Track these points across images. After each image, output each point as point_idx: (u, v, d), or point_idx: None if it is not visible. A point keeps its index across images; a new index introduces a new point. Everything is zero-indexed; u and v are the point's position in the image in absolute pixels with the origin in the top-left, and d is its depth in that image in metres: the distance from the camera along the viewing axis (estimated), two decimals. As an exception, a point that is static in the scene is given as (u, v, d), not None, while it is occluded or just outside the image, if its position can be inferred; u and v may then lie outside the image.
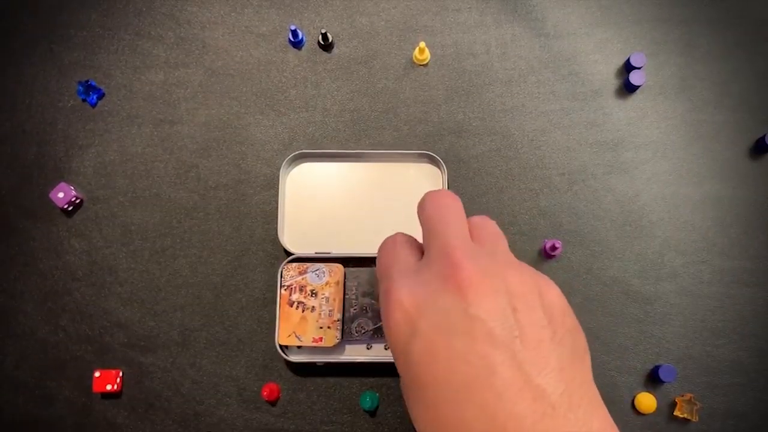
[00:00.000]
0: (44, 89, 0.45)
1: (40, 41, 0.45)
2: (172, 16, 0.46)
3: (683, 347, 0.42)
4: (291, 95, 0.45)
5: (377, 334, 0.40)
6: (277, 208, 0.43)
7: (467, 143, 0.44)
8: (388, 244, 0.27)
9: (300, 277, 0.40)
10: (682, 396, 0.41)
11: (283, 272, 0.41)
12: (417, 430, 0.22)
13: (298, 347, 0.41)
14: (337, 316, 0.40)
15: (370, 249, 0.41)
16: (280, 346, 0.40)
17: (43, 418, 0.41)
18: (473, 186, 0.44)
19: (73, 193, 0.42)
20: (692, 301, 0.42)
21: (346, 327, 0.40)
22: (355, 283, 0.41)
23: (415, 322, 0.22)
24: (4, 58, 0.45)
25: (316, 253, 0.41)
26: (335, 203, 0.43)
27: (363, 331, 0.40)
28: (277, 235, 0.42)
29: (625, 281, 0.43)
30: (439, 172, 0.43)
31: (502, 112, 0.44)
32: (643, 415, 0.41)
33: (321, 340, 0.40)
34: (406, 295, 0.23)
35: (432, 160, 0.43)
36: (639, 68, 0.44)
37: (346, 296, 0.41)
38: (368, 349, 0.41)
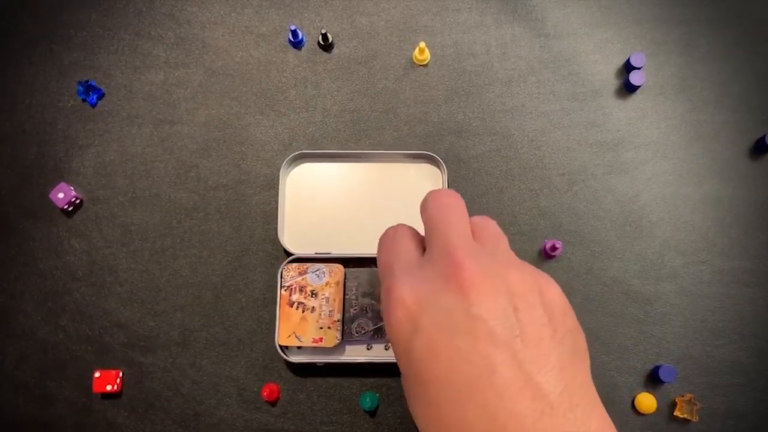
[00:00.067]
0: (44, 89, 0.45)
1: (40, 41, 0.45)
2: (172, 16, 0.46)
3: (683, 347, 0.42)
4: (291, 95, 0.45)
5: (377, 334, 0.40)
6: (277, 208, 0.43)
7: (467, 143, 0.44)
8: (389, 235, 0.27)
9: (300, 278, 0.40)
10: (682, 396, 0.41)
11: (283, 273, 0.41)
12: (418, 426, 0.22)
13: (298, 348, 0.41)
14: (337, 316, 0.40)
15: (370, 249, 0.41)
16: (280, 346, 0.40)
17: (43, 418, 0.41)
18: (473, 186, 0.44)
19: (73, 193, 0.42)
20: (692, 301, 0.42)
21: (346, 327, 0.40)
22: (355, 284, 0.41)
23: (416, 320, 0.22)
24: (4, 58, 0.45)
25: (316, 253, 0.41)
26: (335, 203, 0.43)
27: (363, 331, 0.40)
28: (277, 235, 0.42)
29: (625, 281, 0.43)
30: (439, 173, 0.43)
31: (502, 113, 0.44)
32: (643, 415, 0.41)
33: (321, 341, 0.40)
34: (408, 293, 0.23)
35: (432, 161, 0.43)
36: (639, 68, 0.44)
37: (346, 296, 0.41)
38: (368, 349, 0.41)
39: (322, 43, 0.45)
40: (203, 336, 0.42)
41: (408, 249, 0.26)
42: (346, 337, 0.40)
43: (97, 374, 0.41)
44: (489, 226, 0.27)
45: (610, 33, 0.45)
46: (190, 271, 0.43)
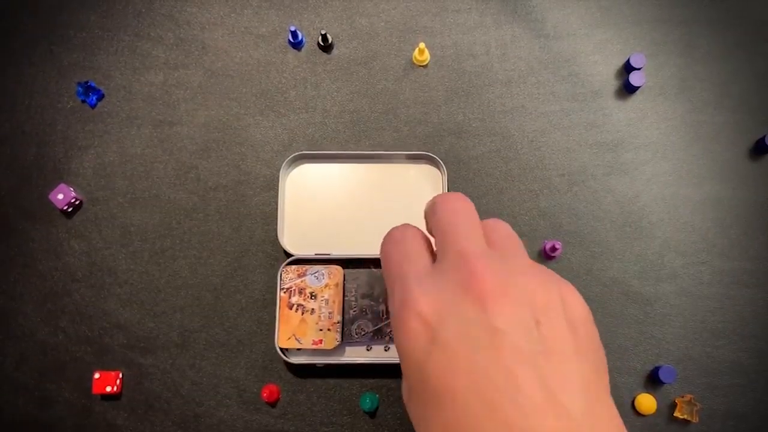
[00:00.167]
0: (44, 90, 0.44)
1: (40, 42, 0.45)
2: (172, 17, 0.46)
3: (683, 348, 0.42)
4: (291, 96, 0.45)
5: (377, 335, 0.40)
6: (276, 209, 0.43)
7: (467, 144, 0.44)
8: (396, 237, 0.26)
9: (299, 280, 0.40)
10: (682, 397, 0.41)
11: (282, 275, 0.41)
12: None
13: (298, 349, 0.41)
14: (337, 318, 0.40)
15: (370, 250, 0.41)
16: (280, 348, 0.40)
17: (43, 419, 0.41)
18: (473, 187, 0.44)
19: (73, 194, 0.42)
20: (692, 302, 0.42)
21: (345, 329, 0.40)
22: (355, 285, 0.41)
23: (434, 333, 0.21)
24: (4, 59, 0.45)
25: (316, 254, 0.41)
26: (335, 204, 0.43)
27: (363, 332, 0.40)
28: (276, 236, 0.42)
29: (625, 282, 0.43)
30: (439, 173, 0.43)
31: (501, 113, 0.44)
32: (643, 416, 0.41)
33: (321, 343, 0.40)
34: (425, 304, 0.21)
35: (432, 161, 0.43)
36: (639, 69, 0.44)
37: (346, 298, 0.41)
38: (368, 350, 0.41)
39: (321, 43, 0.44)
40: (203, 337, 0.42)
41: (419, 253, 0.25)
42: (346, 338, 0.40)
43: (96, 375, 0.41)
44: (501, 228, 0.26)
45: (610, 34, 0.45)
46: (189, 272, 0.43)
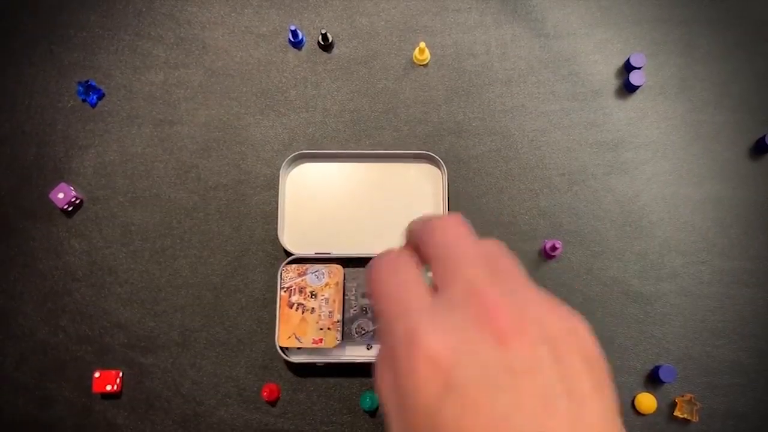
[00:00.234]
0: (44, 90, 0.44)
1: (40, 41, 0.45)
2: (172, 17, 0.46)
3: (683, 347, 0.42)
4: (291, 95, 0.45)
5: (377, 334, 0.40)
6: (277, 208, 0.43)
7: (467, 143, 0.44)
8: (389, 265, 0.23)
9: (299, 279, 0.40)
10: (682, 396, 0.41)
11: (283, 274, 0.41)
12: None
13: (298, 348, 0.41)
14: (337, 317, 0.40)
15: (370, 249, 0.41)
16: (280, 346, 0.40)
17: (43, 418, 0.41)
18: (473, 186, 0.44)
19: (73, 193, 0.42)
20: (692, 301, 0.42)
21: (346, 328, 0.40)
22: (355, 284, 0.41)
23: (448, 377, 0.19)
24: (4, 58, 0.45)
25: (316, 253, 0.41)
26: (335, 203, 0.43)
27: (363, 332, 0.40)
28: (277, 235, 0.42)
29: (625, 281, 0.43)
30: (439, 173, 0.43)
31: (502, 113, 0.44)
32: (643, 415, 0.41)
33: (321, 342, 0.40)
34: (436, 344, 0.19)
35: (432, 161, 0.43)
36: (639, 68, 0.44)
37: (346, 297, 0.41)
38: (368, 349, 0.41)
39: (322, 43, 0.44)
40: (203, 336, 0.42)
41: (418, 283, 0.22)
42: (346, 337, 0.40)
43: (97, 374, 0.41)
44: (502, 253, 0.24)
45: (610, 33, 0.45)
46: (190, 271, 0.43)
